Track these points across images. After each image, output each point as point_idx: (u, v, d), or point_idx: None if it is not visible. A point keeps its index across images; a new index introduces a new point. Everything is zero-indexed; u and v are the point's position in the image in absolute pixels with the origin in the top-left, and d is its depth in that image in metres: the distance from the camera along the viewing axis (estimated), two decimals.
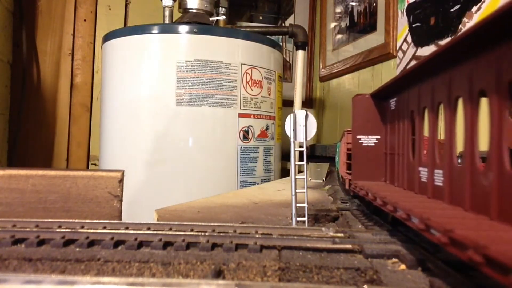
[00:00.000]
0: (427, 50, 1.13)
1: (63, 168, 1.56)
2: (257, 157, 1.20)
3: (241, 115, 1.15)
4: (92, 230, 0.39)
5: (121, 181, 0.55)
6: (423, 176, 0.40)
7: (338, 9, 1.80)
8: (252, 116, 1.18)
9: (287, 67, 2.01)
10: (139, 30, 1.13)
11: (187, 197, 0.79)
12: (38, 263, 0.33)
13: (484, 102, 0.29)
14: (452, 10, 1.02)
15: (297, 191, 0.46)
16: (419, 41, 1.17)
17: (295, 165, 0.47)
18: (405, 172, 0.46)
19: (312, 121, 0.47)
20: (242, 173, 1.16)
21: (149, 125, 1.10)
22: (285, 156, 1.38)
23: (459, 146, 0.33)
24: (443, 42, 1.06)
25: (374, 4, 1.46)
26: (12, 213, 0.52)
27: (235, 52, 1.15)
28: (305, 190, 0.46)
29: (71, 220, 0.42)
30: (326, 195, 0.77)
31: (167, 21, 1.29)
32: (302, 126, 0.47)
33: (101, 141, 1.24)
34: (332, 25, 1.86)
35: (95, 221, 0.42)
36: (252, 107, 1.18)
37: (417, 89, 0.42)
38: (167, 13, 1.29)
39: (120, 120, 1.15)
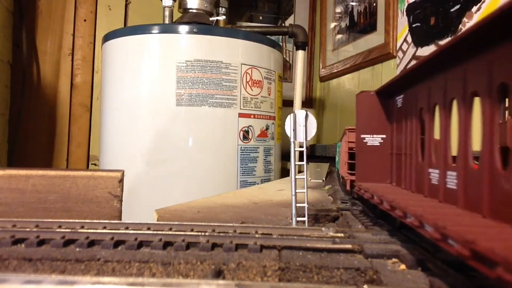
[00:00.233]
0: (427, 50, 1.13)
1: (63, 168, 1.56)
2: (257, 157, 1.20)
3: (241, 115, 1.15)
4: (92, 230, 0.39)
5: (121, 181, 0.55)
6: (434, 178, 0.37)
7: (338, 9, 1.80)
8: (252, 116, 1.18)
9: (287, 67, 2.01)
10: (139, 30, 1.13)
11: (187, 197, 0.79)
12: (38, 263, 0.33)
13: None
14: (452, 10, 1.02)
15: (297, 191, 0.46)
16: (419, 41, 1.17)
17: (295, 165, 0.47)
18: (413, 174, 0.44)
19: (312, 121, 0.47)
20: (242, 173, 1.16)
21: (149, 125, 1.11)
22: (285, 156, 1.38)
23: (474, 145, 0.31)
24: (443, 42, 1.06)
25: (374, 4, 1.46)
26: (12, 213, 0.52)
27: (235, 52, 1.15)
28: (305, 190, 0.46)
29: (71, 220, 0.42)
30: (326, 195, 0.76)
31: (167, 21, 1.29)
32: (302, 126, 0.47)
33: (101, 141, 1.24)
34: (332, 25, 1.86)
35: (95, 221, 0.42)
36: (252, 107, 1.18)
37: (427, 85, 0.39)
38: (167, 13, 1.29)
39: (120, 120, 1.15)
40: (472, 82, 0.30)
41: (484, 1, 0.92)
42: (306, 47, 1.50)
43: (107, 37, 1.21)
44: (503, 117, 0.35)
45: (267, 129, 1.23)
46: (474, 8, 0.95)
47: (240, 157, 1.15)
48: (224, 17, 1.44)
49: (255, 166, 1.19)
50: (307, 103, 2.03)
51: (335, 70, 1.80)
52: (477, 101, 0.30)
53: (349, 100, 1.70)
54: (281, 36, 1.94)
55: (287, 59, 2.02)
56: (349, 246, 0.36)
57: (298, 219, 0.46)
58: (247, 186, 1.14)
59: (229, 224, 0.41)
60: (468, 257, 0.21)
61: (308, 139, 0.47)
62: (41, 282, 0.26)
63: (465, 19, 0.98)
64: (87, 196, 0.54)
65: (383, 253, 0.35)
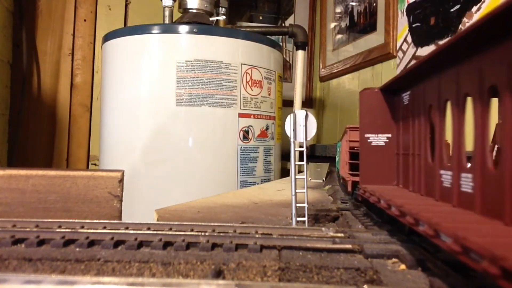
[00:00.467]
0: (427, 50, 1.13)
1: (63, 168, 1.56)
2: (257, 157, 1.20)
3: (241, 115, 1.15)
4: (92, 230, 0.39)
5: (121, 181, 0.55)
6: (446, 180, 0.35)
7: (338, 9, 1.80)
8: (252, 116, 1.18)
9: (287, 67, 2.01)
10: (139, 30, 1.13)
11: (187, 197, 0.79)
12: (38, 263, 0.33)
13: None
14: (452, 10, 1.02)
15: (297, 191, 0.46)
16: (419, 41, 1.17)
17: (295, 165, 0.47)
18: (422, 176, 0.41)
19: (312, 121, 0.47)
20: (242, 173, 1.16)
21: (149, 125, 1.11)
22: (285, 156, 1.38)
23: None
24: (443, 42, 1.06)
25: (374, 4, 1.46)
26: (12, 213, 0.52)
27: (235, 52, 1.15)
28: (305, 190, 0.46)
29: (71, 220, 0.42)
30: (326, 195, 0.76)
31: (167, 21, 1.29)
32: (302, 126, 0.47)
33: (101, 141, 1.24)
34: (332, 25, 1.86)
35: (95, 221, 0.42)
36: (252, 107, 1.18)
37: (437, 80, 0.37)
38: (167, 13, 1.29)
39: (120, 120, 1.15)
40: (490, 75, 0.28)
41: (484, 1, 0.92)
42: (306, 47, 1.50)
43: (107, 37, 1.21)
44: None
45: (267, 129, 1.23)
46: (474, 8, 0.95)
47: (240, 157, 1.15)
48: (224, 17, 1.44)
49: (255, 166, 1.19)
50: (307, 103, 2.03)
51: (335, 70, 1.80)
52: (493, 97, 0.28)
53: (349, 100, 1.70)
54: (281, 36, 1.94)
55: (287, 59, 2.02)
56: (349, 246, 0.36)
57: (298, 219, 0.46)
58: (247, 186, 1.14)
59: (229, 224, 0.41)
60: (498, 276, 0.18)
61: (308, 139, 0.47)
62: (41, 282, 0.26)
63: (465, 19, 0.98)
64: (87, 196, 0.54)
65: (383, 253, 0.35)
